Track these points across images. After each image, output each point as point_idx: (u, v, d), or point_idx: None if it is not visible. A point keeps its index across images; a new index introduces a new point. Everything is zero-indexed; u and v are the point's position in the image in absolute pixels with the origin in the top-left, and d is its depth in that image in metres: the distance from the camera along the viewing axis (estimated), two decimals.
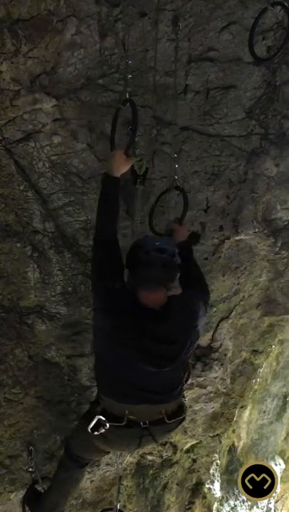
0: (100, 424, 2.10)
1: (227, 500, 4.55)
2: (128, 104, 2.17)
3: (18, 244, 2.49)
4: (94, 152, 2.50)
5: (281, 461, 5.43)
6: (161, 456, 3.75)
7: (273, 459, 5.31)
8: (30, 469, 2.66)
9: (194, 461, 4.08)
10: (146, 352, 1.95)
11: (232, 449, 4.57)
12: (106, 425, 2.09)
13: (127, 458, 3.44)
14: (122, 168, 2.11)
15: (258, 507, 5.06)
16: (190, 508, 4.13)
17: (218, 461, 4.31)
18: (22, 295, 2.55)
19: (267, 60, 2.51)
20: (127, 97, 2.17)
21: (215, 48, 2.52)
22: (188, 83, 2.57)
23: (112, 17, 2.28)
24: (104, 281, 2.00)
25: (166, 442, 3.73)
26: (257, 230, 2.94)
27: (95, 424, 2.11)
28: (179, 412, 2.19)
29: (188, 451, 3.98)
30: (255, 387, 4.28)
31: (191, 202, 2.74)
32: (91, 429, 2.11)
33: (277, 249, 3.06)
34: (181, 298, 2.14)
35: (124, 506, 3.29)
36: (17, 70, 2.20)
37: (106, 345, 2.03)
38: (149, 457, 3.68)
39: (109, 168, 2.11)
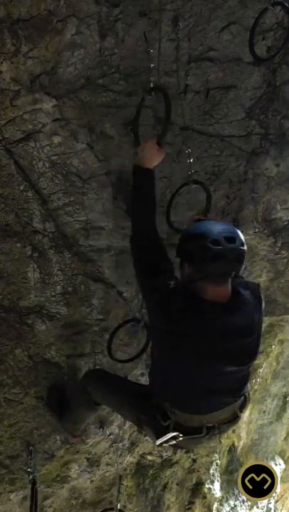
0: (171, 437, 1.91)
1: (227, 500, 4.56)
2: (153, 93, 2.10)
3: (18, 244, 2.49)
4: (94, 152, 2.50)
5: (281, 461, 5.44)
6: (161, 456, 3.75)
7: (273, 459, 5.32)
8: (29, 469, 2.66)
9: (194, 461, 4.08)
10: (226, 351, 1.74)
11: (232, 449, 4.58)
12: (179, 437, 1.91)
13: (127, 458, 3.44)
14: (154, 159, 1.98)
15: (258, 507, 5.07)
16: (190, 508, 4.13)
17: (218, 461, 4.32)
18: (22, 295, 2.55)
19: (267, 60, 2.51)
20: (151, 86, 2.10)
21: (215, 48, 2.52)
22: (188, 83, 2.57)
23: (112, 17, 2.28)
24: (157, 283, 1.80)
25: None
26: (257, 230, 2.94)
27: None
28: (246, 403, 2.02)
29: (188, 451, 3.98)
30: (255, 387, 4.29)
31: (191, 202, 2.74)
32: (159, 444, 1.95)
33: (277, 249, 3.06)
34: (246, 285, 1.90)
35: (125, 506, 3.30)
36: (17, 70, 2.20)
37: (177, 354, 1.79)
38: (149, 457, 3.69)
39: (140, 159, 1.97)
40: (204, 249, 1.68)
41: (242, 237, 1.75)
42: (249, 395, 2.02)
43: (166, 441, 1.94)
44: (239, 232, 1.78)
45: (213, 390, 1.84)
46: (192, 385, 1.82)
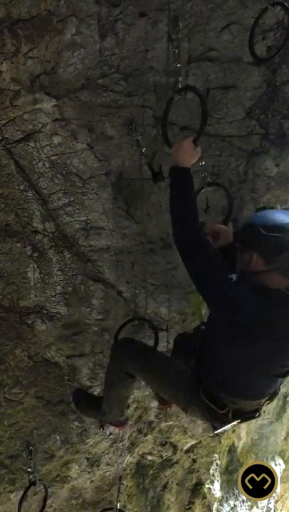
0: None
1: (227, 500, 4.55)
2: (183, 93, 2.11)
3: (18, 244, 2.49)
4: (94, 152, 2.50)
5: (281, 461, 5.43)
6: (161, 456, 3.75)
7: (273, 459, 5.31)
8: (29, 469, 2.66)
9: (194, 461, 4.08)
10: None
11: (232, 449, 4.57)
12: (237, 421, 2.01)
13: (127, 458, 3.44)
14: (192, 158, 1.95)
15: (258, 507, 5.06)
16: (190, 508, 4.13)
17: (218, 461, 4.31)
18: (22, 295, 2.55)
19: (267, 60, 2.51)
20: (180, 86, 2.10)
21: (215, 48, 2.52)
22: (188, 83, 2.57)
23: (112, 17, 2.28)
24: (218, 278, 1.74)
25: (166, 442, 3.73)
26: None
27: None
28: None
29: (188, 451, 3.98)
30: None
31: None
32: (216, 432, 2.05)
33: None
34: None
35: (125, 506, 3.30)
36: (17, 70, 2.20)
37: (247, 343, 1.76)
38: (149, 457, 3.69)
39: (178, 160, 1.93)
40: (284, 243, 1.68)
41: None
42: None
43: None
44: None
45: (271, 373, 1.89)
46: (258, 372, 1.85)
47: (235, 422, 2.00)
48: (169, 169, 1.98)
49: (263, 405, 2.05)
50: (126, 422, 2.74)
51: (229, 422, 1.99)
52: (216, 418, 2.01)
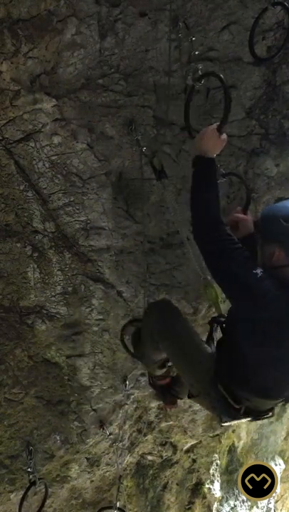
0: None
1: (227, 500, 4.55)
2: (201, 82, 2.05)
3: (18, 244, 2.49)
4: (94, 152, 2.50)
5: (281, 461, 5.43)
6: (161, 456, 3.75)
7: (273, 459, 5.31)
8: (29, 469, 2.66)
9: (194, 461, 4.08)
10: None
11: (232, 449, 4.57)
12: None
13: (127, 458, 3.44)
14: (217, 147, 1.85)
15: (258, 507, 5.06)
16: (190, 508, 4.14)
17: (218, 461, 4.31)
18: (22, 295, 2.55)
19: (267, 60, 2.51)
20: (200, 73, 2.05)
21: (215, 48, 2.52)
22: (188, 83, 2.56)
23: (112, 17, 2.28)
24: (242, 273, 1.68)
25: (166, 442, 3.73)
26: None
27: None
28: None
29: (188, 451, 3.99)
30: None
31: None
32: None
33: None
34: None
35: (125, 506, 3.30)
36: (17, 70, 2.20)
37: (271, 342, 1.71)
38: (149, 457, 3.69)
39: (202, 149, 1.83)
40: None
41: None
42: None
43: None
44: None
45: None
46: (282, 371, 1.79)
47: (245, 420, 1.95)
48: (192, 159, 1.88)
49: (277, 405, 2.00)
50: (174, 400, 2.48)
51: (239, 419, 1.94)
52: (228, 412, 1.93)
